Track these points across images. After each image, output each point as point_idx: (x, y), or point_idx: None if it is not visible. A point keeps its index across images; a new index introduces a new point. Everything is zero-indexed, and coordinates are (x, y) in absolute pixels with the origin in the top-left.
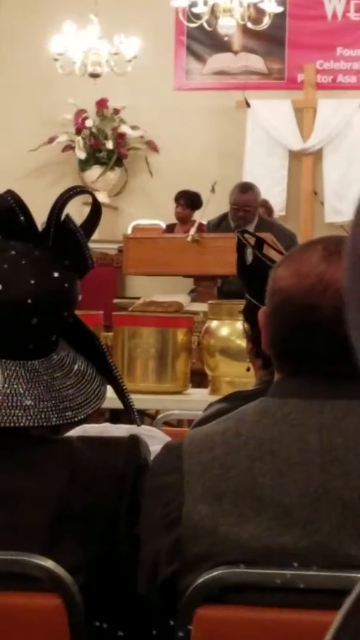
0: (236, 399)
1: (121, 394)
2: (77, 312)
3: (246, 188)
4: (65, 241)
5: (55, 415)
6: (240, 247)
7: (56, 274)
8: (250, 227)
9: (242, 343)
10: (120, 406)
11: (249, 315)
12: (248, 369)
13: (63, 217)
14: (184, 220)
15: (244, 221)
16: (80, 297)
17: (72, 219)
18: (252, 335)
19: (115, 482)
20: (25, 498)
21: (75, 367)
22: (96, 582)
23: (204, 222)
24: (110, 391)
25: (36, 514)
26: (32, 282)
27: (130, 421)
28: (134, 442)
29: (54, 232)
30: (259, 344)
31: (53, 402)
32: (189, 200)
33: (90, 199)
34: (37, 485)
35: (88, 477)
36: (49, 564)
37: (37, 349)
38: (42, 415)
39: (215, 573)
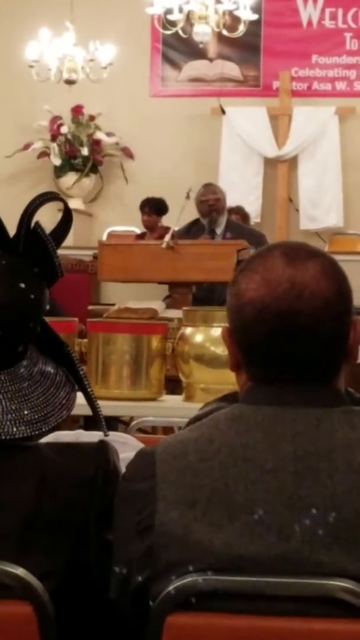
0: (233, 400)
1: (90, 401)
2: (51, 319)
3: (209, 183)
4: (35, 249)
5: (22, 428)
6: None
7: (22, 285)
8: (220, 229)
9: (217, 350)
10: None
11: None
12: None
13: (33, 224)
14: (152, 228)
15: (215, 212)
16: (48, 307)
17: (42, 226)
18: None
19: (85, 487)
20: None
21: (43, 376)
22: (67, 588)
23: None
24: (83, 399)
25: (5, 522)
26: None
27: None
28: (103, 447)
29: (24, 239)
30: None
31: (18, 413)
32: (153, 207)
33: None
34: (6, 492)
35: (57, 484)
36: (19, 571)
37: (2, 360)
38: (6, 429)
39: (186, 580)
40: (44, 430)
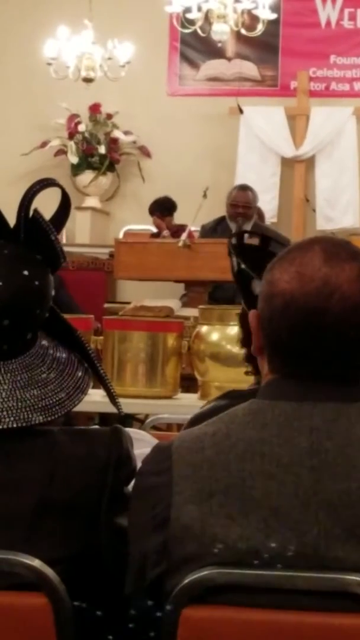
0: (233, 397)
1: (102, 380)
2: (67, 317)
3: (245, 187)
4: (35, 236)
5: (38, 414)
6: (230, 255)
7: (26, 272)
8: None
9: (232, 348)
10: (110, 410)
11: (242, 321)
12: (247, 373)
13: (32, 211)
14: (168, 228)
15: (242, 219)
16: (53, 293)
17: (41, 213)
18: (244, 339)
19: (97, 472)
20: (7, 489)
21: (56, 361)
22: (78, 574)
23: (195, 228)
24: (98, 395)
25: (17, 505)
26: (1, 283)
27: (119, 424)
28: (116, 433)
29: (24, 227)
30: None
31: (33, 400)
32: (161, 208)
33: (78, 203)
34: (19, 476)
35: (70, 468)
36: (36, 563)
37: (12, 349)
38: (23, 415)
39: (202, 574)
40: (59, 414)
